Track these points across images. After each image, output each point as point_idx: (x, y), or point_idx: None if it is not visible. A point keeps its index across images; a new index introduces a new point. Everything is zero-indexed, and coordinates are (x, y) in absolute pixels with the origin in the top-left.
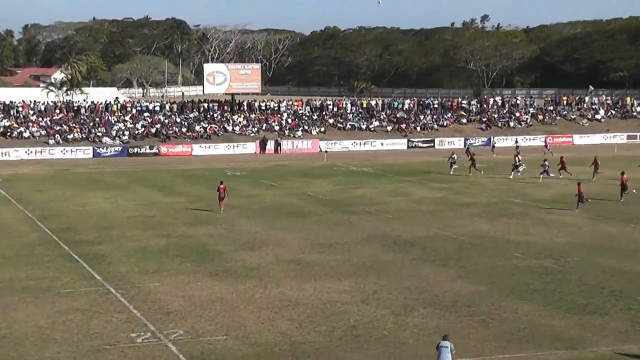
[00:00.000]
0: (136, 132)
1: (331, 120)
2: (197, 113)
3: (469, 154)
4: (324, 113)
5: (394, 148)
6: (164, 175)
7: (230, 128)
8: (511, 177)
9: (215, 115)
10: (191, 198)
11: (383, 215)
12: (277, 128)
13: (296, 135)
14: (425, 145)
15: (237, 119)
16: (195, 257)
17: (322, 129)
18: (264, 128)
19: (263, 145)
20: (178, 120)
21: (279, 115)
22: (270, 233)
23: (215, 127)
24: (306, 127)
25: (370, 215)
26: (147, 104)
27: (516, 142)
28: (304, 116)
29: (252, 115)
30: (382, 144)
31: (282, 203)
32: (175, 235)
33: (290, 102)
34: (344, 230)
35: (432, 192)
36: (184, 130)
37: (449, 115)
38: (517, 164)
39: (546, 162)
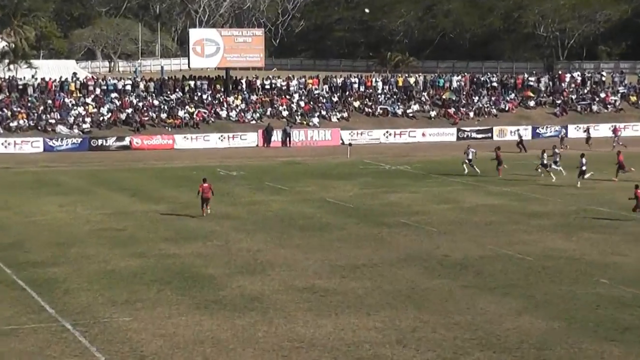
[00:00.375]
0: (101, 118)
1: (357, 104)
2: (181, 94)
3: (496, 153)
4: (347, 94)
5: (439, 140)
6: (138, 176)
7: (224, 114)
8: (578, 185)
9: (204, 96)
10: (173, 206)
11: (425, 229)
12: (285, 114)
13: (311, 123)
14: (480, 135)
15: (233, 102)
16: (179, 284)
17: (345, 115)
18: (268, 114)
19: (267, 136)
20: (156, 103)
21: (288, 97)
22: (276, 252)
23: (205, 113)
24: (324, 113)
25: (408, 229)
26: (115, 81)
27: (587, 132)
28: (321, 98)
29: (253, 97)
30: (423, 134)
31: (293, 212)
32: (152, 255)
33: (303, 80)
34: (373, 248)
35: (490, 197)
36: (164, 116)
37: (512, 96)
38: (583, 167)
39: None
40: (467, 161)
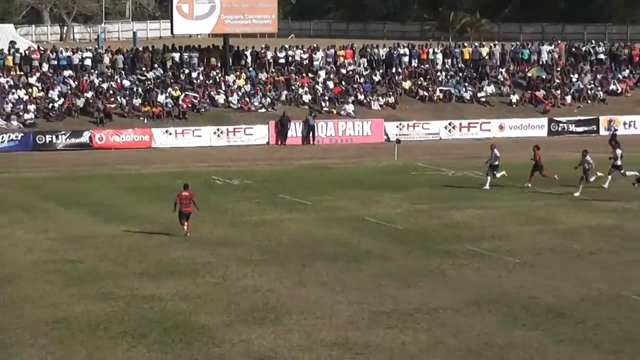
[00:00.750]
0: (50, 106)
1: (407, 84)
2: (162, 71)
3: (535, 153)
4: (393, 71)
5: (523, 135)
6: (101, 186)
7: (221, 99)
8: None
9: (194, 75)
10: (150, 227)
11: (503, 260)
12: (307, 99)
13: (343, 112)
14: (580, 128)
15: (234, 83)
16: (158, 337)
17: (391, 101)
18: (283, 99)
19: (282, 130)
20: (126, 84)
21: (310, 76)
22: (295, 292)
23: (195, 98)
24: (361, 98)
25: (479, 259)
26: (70, 54)
27: (612, 131)
28: (356, 77)
29: (262, 76)
30: (501, 127)
31: (318, 237)
32: (120, 296)
33: (332, 51)
34: (431, 286)
35: (596, 216)
36: (137, 102)
37: (626, 73)
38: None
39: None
40: (491, 170)
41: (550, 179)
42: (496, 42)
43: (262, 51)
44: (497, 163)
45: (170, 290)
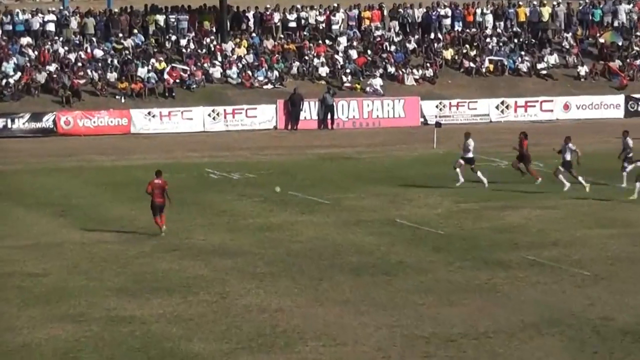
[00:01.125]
0: (4, 82)
1: (448, 53)
2: (142, 38)
3: (520, 140)
4: (431, 37)
5: (594, 116)
6: (69, 181)
7: (217, 73)
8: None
9: (183, 42)
10: (129, 233)
11: (569, 272)
12: (324, 71)
13: (369, 89)
14: None
15: (233, 52)
16: None
17: (429, 74)
18: (294, 71)
19: (293, 111)
20: (98, 54)
21: (328, 43)
22: (310, 312)
23: (184, 71)
24: (391, 70)
25: (539, 271)
26: (29, 17)
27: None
28: (385, 44)
29: (268, 43)
30: (566, 106)
31: (339, 244)
32: (94, 318)
33: (355, 13)
34: (479, 304)
35: None
36: (113, 77)
37: None
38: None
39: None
40: (461, 161)
41: (531, 178)
42: (560, 1)
43: (268, 12)
44: (470, 155)
45: (155, 311)
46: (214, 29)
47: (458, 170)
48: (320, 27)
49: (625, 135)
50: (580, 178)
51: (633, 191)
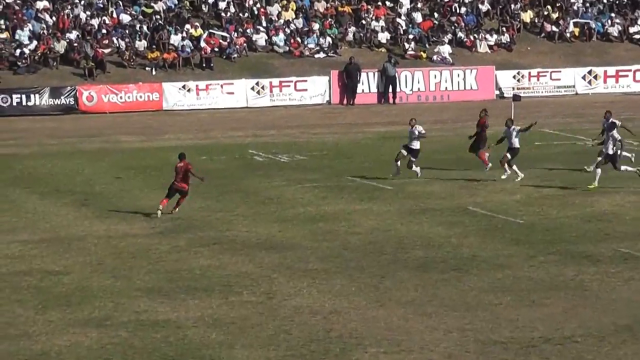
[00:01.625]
0: (18, 52)
1: (527, 16)
2: (176, 0)
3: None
4: None
5: None
6: (91, 166)
7: (261, 40)
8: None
9: (221, 5)
10: (163, 225)
11: None
12: (384, 37)
13: (436, 57)
14: None
15: (279, 15)
16: None
17: (505, 39)
18: (350, 38)
19: (350, 83)
20: (125, 19)
21: (389, 4)
22: (370, 314)
23: (224, 38)
24: (461, 35)
25: (634, 266)
26: None
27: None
28: (454, 5)
29: (320, 5)
30: None
31: (403, 236)
32: (121, 323)
33: None
34: (564, 305)
35: None
36: (141, 46)
37: None
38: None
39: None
40: (403, 152)
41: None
42: None
43: None
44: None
45: (192, 314)
46: None
47: (506, 167)
48: None
49: (481, 115)
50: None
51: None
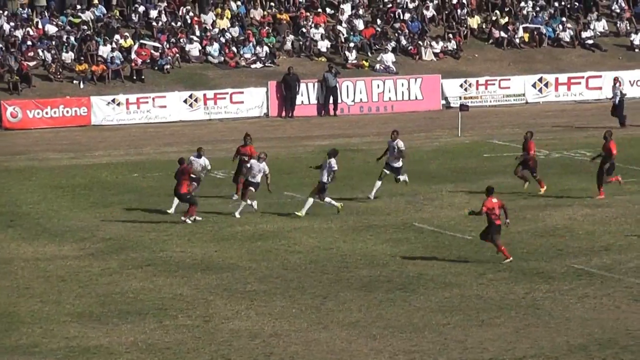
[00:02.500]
0: None
1: (474, 21)
2: (104, 10)
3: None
4: (454, 1)
5: None
6: (17, 185)
7: (195, 50)
8: None
9: (153, 14)
10: (94, 246)
11: (624, 282)
12: (324, 46)
13: (379, 66)
14: None
15: (214, 24)
16: None
17: (452, 46)
18: (289, 46)
19: (288, 94)
20: (51, 30)
21: (330, 11)
22: (312, 336)
23: (156, 48)
24: (406, 43)
25: (588, 283)
26: None
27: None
28: (398, 11)
29: (256, 13)
30: (617, 82)
31: (345, 255)
32: (51, 349)
33: None
34: (516, 324)
35: None
36: (69, 58)
37: None
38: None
39: None
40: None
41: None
42: None
43: None
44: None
45: (125, 339)
46: None
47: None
48: None
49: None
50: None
51: None
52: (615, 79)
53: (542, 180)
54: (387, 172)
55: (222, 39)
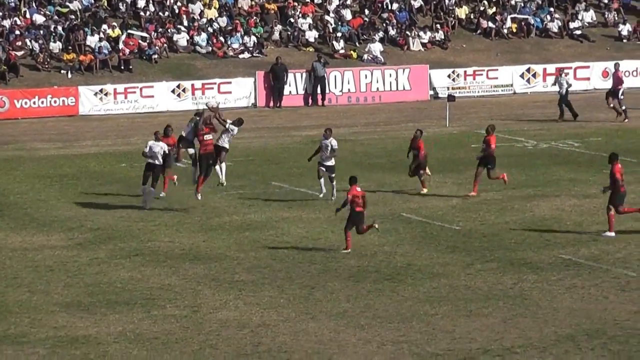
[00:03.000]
0: None
1: (462, 11)
2: (92, 0)
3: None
4: None
5: None
6: (5, 175)
7: (183, 40)
8: None
9: (140, 3)
10: (82, 236)
11: (612, 273)
12: (312, 36)
13: (367, 56)
14: None
15: (202, 14)
16: None
17: (439, 37)
18: (277, 36)
19: (276, 84)
20: (39, 19)
21: (317, 1)
22: (300, 327)
23: (143, 38)
24: (393, 32)
25: (575, 273)
26: None
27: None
28: (386, 1)
29: (244, 3)
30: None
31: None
32: (39, 339)
33: None
34: (503, 315)
35: None
36: (56, 48)
37: None
38: None
39: None
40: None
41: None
42: None
43: None
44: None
45: (113, 329)
46: None
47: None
48: None
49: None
50: None
51: None
52: (560, 70)
53: (425, 182)
54: (324, 169)
55: (210, 29)
